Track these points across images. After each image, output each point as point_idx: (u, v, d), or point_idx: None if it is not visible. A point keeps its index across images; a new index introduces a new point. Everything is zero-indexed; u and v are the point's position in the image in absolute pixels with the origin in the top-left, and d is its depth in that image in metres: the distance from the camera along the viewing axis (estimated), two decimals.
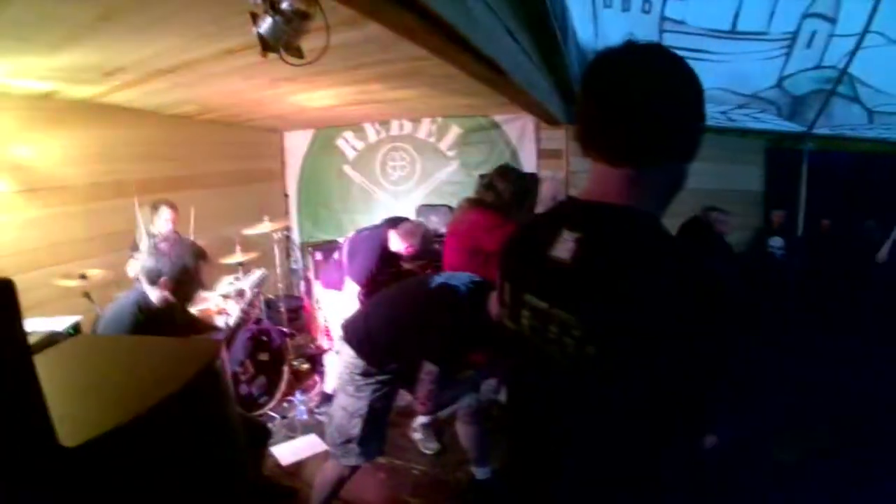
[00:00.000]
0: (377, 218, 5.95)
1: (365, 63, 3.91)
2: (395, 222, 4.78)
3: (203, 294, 3.58)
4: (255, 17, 2.34)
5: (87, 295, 4.25)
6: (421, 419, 4.28)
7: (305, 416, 4.79)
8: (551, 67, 4.58)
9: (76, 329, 3.78)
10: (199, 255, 3.29)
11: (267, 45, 2.43)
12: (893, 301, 6.25)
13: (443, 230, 6.11)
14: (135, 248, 4.93)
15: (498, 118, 6.76)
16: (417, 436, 4.31)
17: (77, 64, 3.65)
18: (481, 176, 4.17)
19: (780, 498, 3.55)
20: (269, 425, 4.58)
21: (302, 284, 7.72)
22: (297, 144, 8.12)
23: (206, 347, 1.84)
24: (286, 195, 8.30)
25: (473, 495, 3.69)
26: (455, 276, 3.00)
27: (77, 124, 4.99)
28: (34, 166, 4.68)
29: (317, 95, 5.17)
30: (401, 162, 7.54)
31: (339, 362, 3.13)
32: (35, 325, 3.68)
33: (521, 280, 1.35)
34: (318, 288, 5.27)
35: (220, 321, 4.01)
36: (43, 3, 2.62)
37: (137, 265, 4.65)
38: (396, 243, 4.58)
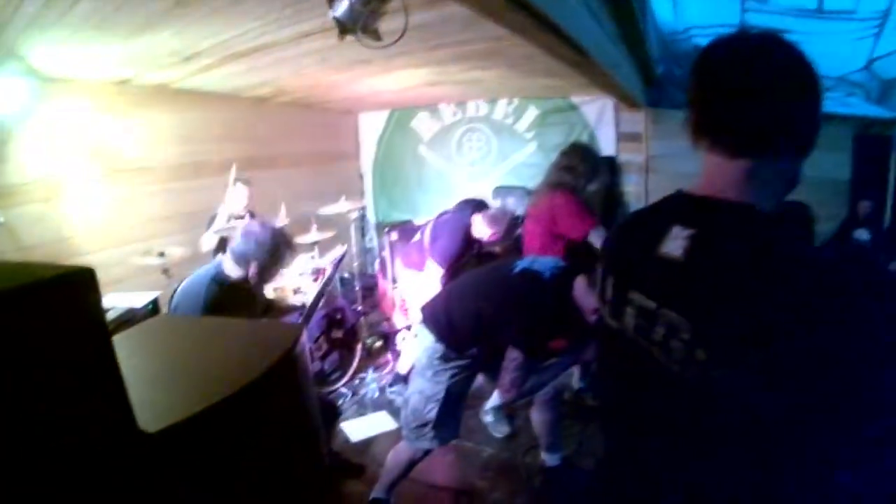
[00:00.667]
0: (453, 199, 5.93)
1: (443, 44, 3.85)
2: (477, 206, 4.75)
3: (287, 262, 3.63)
4: (331, 0, 2.32)
5: (165, 272, 4.38)
6: (492, 402, 4.25)
7: (377, 394, 4.84)
8: (631, 48, 4.44)
9: (154, 305, 3.91)
10: (289, 244, 3.32)
11: (344, 27, 2.41)
12: None
13: (520, 212, 6.05)
14: (212, 224, 5.03)
15: (576, 100, 6.61)
16: (488, 419, 4.29)
17: (155, 50, 3.74)
18: (563, 154, 4.09)
19: None
20: (340, 402, 4.66)
21: (377, 263, 7.79)
22: (371, 125, 8.15)
23: (288, 331, 1.84)
24: (361, 175, 8.37)
25: (542, 481, 3.65)
26: (538, 260, 2.94)
27: (156, 108, 5.14)
28: (115, 149, 4.85)
29: (393, 77, 5.16)
30: (477, 143, 7.46)
31: (417, 345, 3.13)
32: (115, 300, 3.83)
33: (626, 276, 1.28)
34: (397, 267, 5.29)
35: (296, 300, 4.05)
36: None
37: (211, 240, 4.77)
38: (481, 229, 4.55)
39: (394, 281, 5.98)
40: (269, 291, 3.97)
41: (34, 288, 0.92)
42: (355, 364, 5.14)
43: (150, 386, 1.46)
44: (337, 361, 4.93)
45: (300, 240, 5.35)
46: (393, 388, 4.83)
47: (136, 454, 1.15)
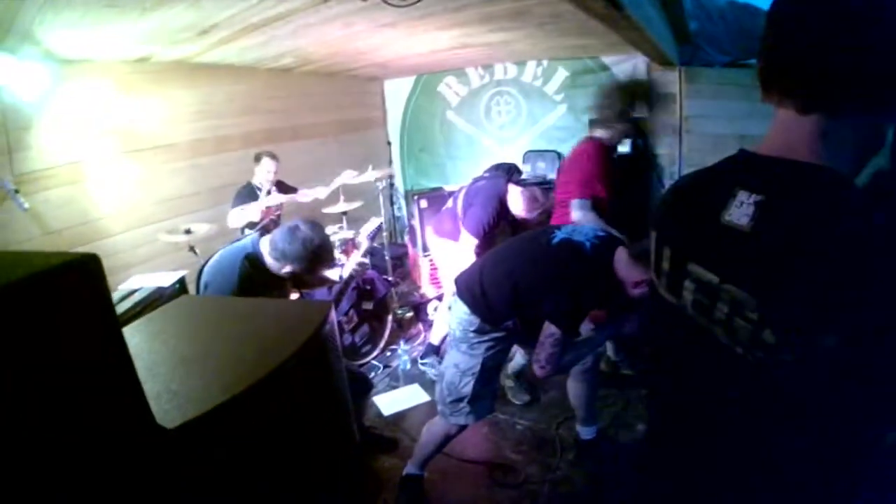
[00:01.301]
0: (482, 164, 5.83)
1: (469, 4, 3.71)
2: (510, 171, 4.63)
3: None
4: None
5: (192, 249, 4.36)
6: (513, 368, 4.21)
7: (408, 366, 4.80)
8: (665, 4, 4.27)
9: (181, 284, 3.88)
10: (331, 257, 3.22)
11: None
12: None
13: (551, 176, 5.92)
14: (238, 198, 4.98)
15: (607, 59, 6.40)
16: (509, 383, 4.24)
17: (171, 25, 3.65)
18: (590, 121, 4.02)
19: None
20: (372, 375, 4.63)
21: (406, 232, 7.73)
22: (398, 92, 8.03)
23: (316, 310, 1.77)
24: (388, 143, 8.26)
25: (577, 455, 3.59)
26: (578, 230, 2.82)
27: (176, 84, 5.09)
28: (136, 128, 4.81)
29: (418, 41, 5.02)
30: (506, 107, 7.30)
31: (451, 318, 3.05)
32: (142, 280, 3.81)
33: (685, 246, 1.16)
34: (428, 236, 5.20)
35: (332, 274, 3.97)
36: None
37: (239, 217, 4.73)
38: (516, 204, 4.43)
39: (424, 250, 5.92)
40: None
41: (37, 279, 0.86)
42: (386, 336, 5.11)
43: (172, 372, 1.41)
44: (367, 334, 4.90)
45: (328, 210, 5.33)
46: (425, 360, 4.78)
47: (152, 451, 1.09)
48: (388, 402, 4.32)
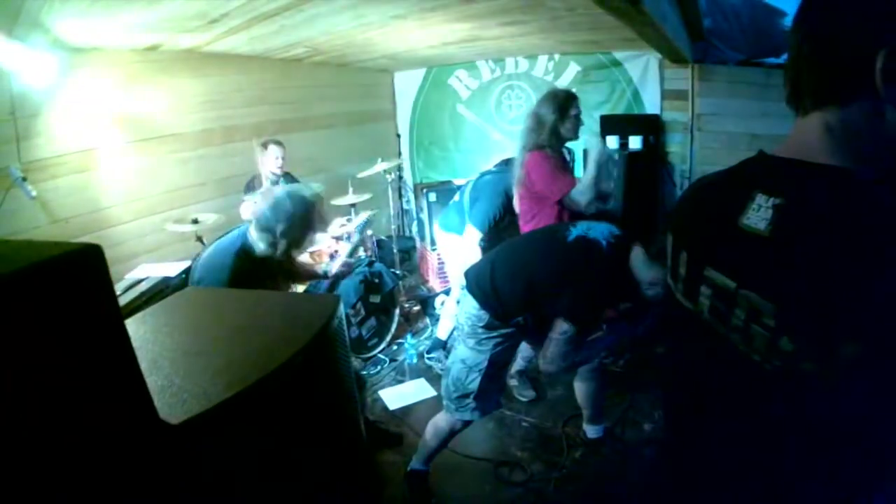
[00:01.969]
0: (492, 158, 5.79)
1: None
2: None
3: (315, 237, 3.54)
4: None
5: (199, 239, 4.35)
6: (517, 366, 4.19)
7: (415, 361, 4.78)
8: (680, 0, 4.22)
9: (188, 274, 3.86)
10: (320, 215, 3.16)
11: None
12: None
13: None
14: (249, 189, 4.98)
15: (619, 55, 6.35)
16: (513, 382, 4.22)
17: (180, 13, 3.64)
18: (602, 117, 3.91)
19: None
20: (378, 368, 4.62)
21: (415, 225, 7.71)
22: (408, 84, 7.98)
23: (325, 305, 1.75)
24: (398, 135, 8.23)
25: (583, 453, 3.56)
26: (594, 227, 2.76)
27: (185, 73, 5.08)
28: (145, 117, 4.80)
29: (429, 33, 5.00)
30: (517, 101, 7.26)
31: (460, 313, 3.02)
32: (149, 270, 3.80)
33: (702, 250, 1.13)
34: (435, 229, 5.17)
35: (320, 269, 3.94)
36: None
37: (251, 207, 4.70)
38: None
39: (432, 243, 5.90)
40: (305, 256, 3.87)
41: (38, 269, 0.83)
42: (393, 330, 5.09)
43: (177, 366, 1.38)
44: (374, 327, 4.88)
45: (336, 202, 5.30)
46: (431, 355, 4.76)
47: (154, 447, 1.06)
48: (394, 396, 4.30)
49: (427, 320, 5.53)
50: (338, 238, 4.87)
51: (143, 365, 1.03)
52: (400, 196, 8.10)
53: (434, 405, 3.95)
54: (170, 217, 4.64)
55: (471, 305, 2.91)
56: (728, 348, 1.04)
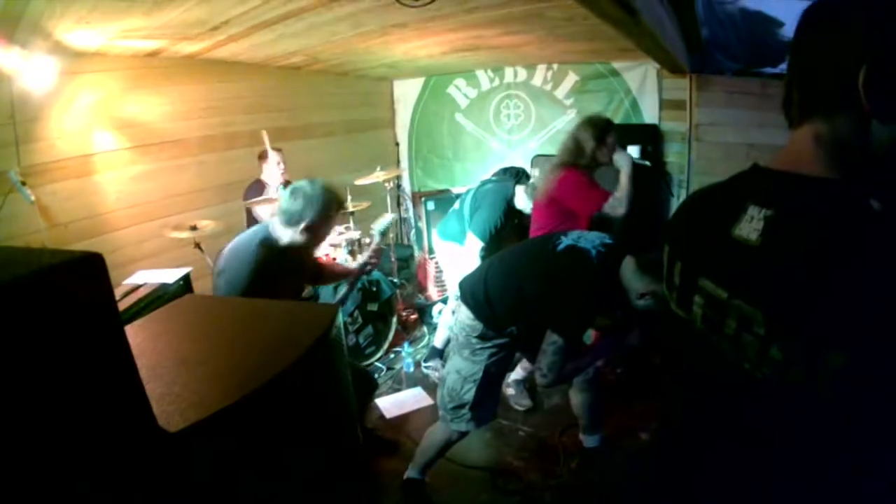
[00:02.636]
0: (490, 167, 5.80)
1: (480, 6, 3.69)
2: (518, 175, 4.61)
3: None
4: None
5: (197, 245, 4.35)
6: (514, 375, 4.18)
7: (412, 369, 4.78)
8: (677, 10, 4.24)
9: (186, 280, 3.86)
10: (338, 198, 3.20)
11: None
12: None
13: None
14: (249, 195, 4.96)
15: (618, 65, 6.36)
16: (510, 391, 4.22)
17: (181, 20, 3.64)
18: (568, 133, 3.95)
19: None
20: (375, 376, 4.61)
21: (413, 233, 7.71)
22: (407, 93, 7.99)
23: (322, 314, 1.75)
24: (397, 144, 8.23)
25: (580, 463, 3.56)
26: (584, 236, 2.76)
27: (185, 80, 5.08)
28: (145, 123, 4.80)
29: (428, 42, 5.01)
30: (515, 110, 7.26)
31: (454, 323, 3.02)
32: (147, 276, 3.79)
33: (695, 261, 1.15)
34: (434, 238, 5.18)
35: (352, 264, 3.95)
36: None
37: (271, 209, 4.70)
38: (523, 202, 4.41)
39: (430, 252, 5.90)
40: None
41: (38, 277, 0.84)
42: (390, 338, 5.09)
43: (176, 373, 1.38)
44: (372, 335, 4.88)
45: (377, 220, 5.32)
46: (428, 364, 4.75)
47: (153, 454, 1.06)
48: (391, 404, 4.30)
49: (424, 329, 5.53)
50: (335, 245, 4.87)
51: (143, 373, 1.03)
52: (399, 204, 8.10)
53: (430, 414, 3.95)
54: (168, 223, 4.62)
55: (465, 315, 2.91)
56: (720, 357, 1.05)
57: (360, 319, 4.73)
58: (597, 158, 3.75)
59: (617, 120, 6.35)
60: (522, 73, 7.07)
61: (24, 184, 3.69)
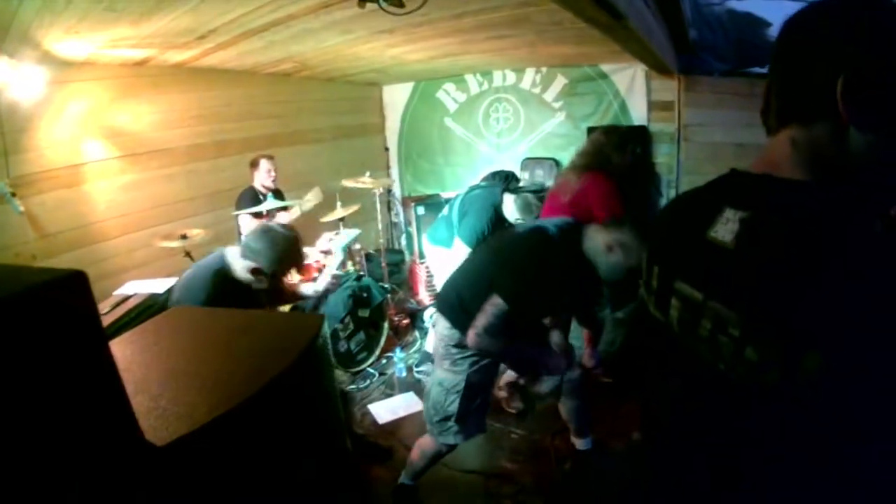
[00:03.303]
0: (480, 171, 5.82)
1: (468, 11, 3.72)
2: (507, 179, 4.62)
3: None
4: None
5: (188, 255, 4.34)
6: (506, 378, 4.17)
7: (404, 374, 4.78)
8: (663, 11, 4.26)
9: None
10: (301, 254, 3.18)
11: None
12: None
13: (549, 184, 5.89)
14: (241, 203, 4.95)
15: (606, 67, 6.41)
16: (502, 394, 4.21)
17: (169, 29, 3.65)
18: (589, 129, 3.98)
19: None
20: (368, 382, 4.62)
21: (403, 238, 7.72)
22: (396, 98, 8.02)
23: (308, 324, 1.75)
24: (387, 149, 8.25)
25: (573, 465, 3.56)
26: (548, 219, 2.86)
27: (174, 88, 5.08)
28: (134, 132, 4.80)
29: (417, 47, 5.03)
30: (504, 114, 7.30)
31: (433, 334, 3.02)
32: (137, 286, 3.78)
33: (672, 263, 1.16)
34: (424, 242, 5.18)
35: (307, 289, 3.90)
36: None
37: (251, 224, 4.69)
38: (511, 212, 4.42)
39: (420, 256, 5.90)
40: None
41: (21, 296, 0.84)
42: (382, 343, 5.10)
43: (163, 387, 1.38)
44: (364, 341, 4.87)
45: (325, 218, 5.31)
46: (421, 368, 4.76)
47: (140, 469, 1.07)
48: (384, 410, 4.30)
49: (416, 333, 5.53)
50: (326, 252, 4.87)
51: (130, 387, 1.03)
52: (389, 209, 8.11)
53: (423, 419, 3.95)
54: (158, 232, 4.61)
55: (442, 325, 2.91)
56: (697, 359, 1.06)
57: (351, 325, 4.72)
58: (620, 167, 3.83)
59: (606, 122, 6.40)
60: (511, 77, 7.11)
61: (13, 195, 3.68)
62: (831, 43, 0.97)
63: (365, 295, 4.90)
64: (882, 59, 0.92)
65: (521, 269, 2.66)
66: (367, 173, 5.70)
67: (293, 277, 3.86)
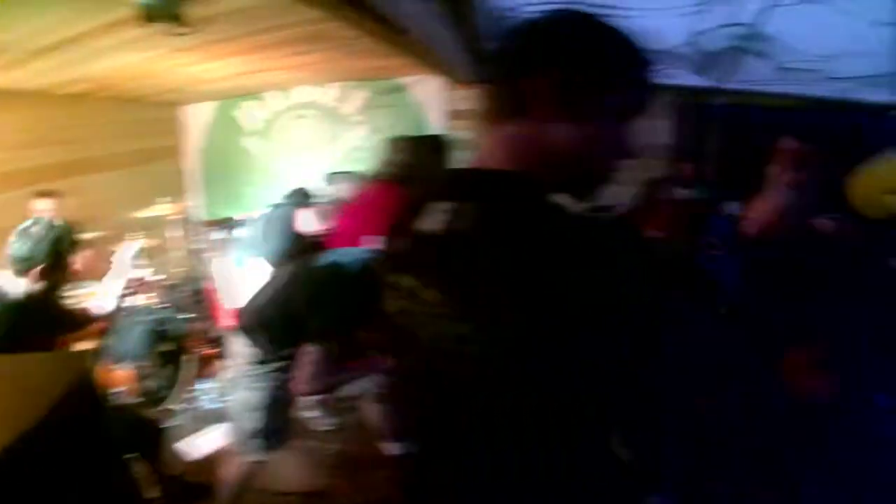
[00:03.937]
0: (283, 190, 5.72)
1: (262, 28, 3.71)
2: (300, 196, 4.58)
3: (88, 284, 3.29)
4: None
5: None
6: (315, 396, 4.13)
7: (213, 406, 4.60)
8: (460, 25, 4.44)
9: None
10: (71, 236, 3.01)
11: (150, 14, 2.25)
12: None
13: (349, 196, 5.93)
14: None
15: (406, 80, 6.61)
16: (313, 414, 4.21)
17: None
18: (391, 140, 4.01)
19: None
20: (175, 418, 4.38)
21: (204, 264, 7.41)
22: (197, 118, 7.71)
23: (73, 362, 1.64)
24: (186, 172, 7.90)
25: (390, 471, 3.58)
26: (348, 251, 2.85)
27: None
28: None
29: (217, 65, 4.89)
30: (306, 130, 7.28)
31: (233, 353, 2.99)
32: None
33: (396, 257, 1.25)
34: (226, 267, 4.99)
35: (95, 308, 3.62)
36: None
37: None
38: (307, 223, 4.38)
39: (222, 282, 5.68)
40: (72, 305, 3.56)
41: None
42: (188, 377, 4.85)
43: None
44: (168, 376, 4.60)
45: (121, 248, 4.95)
46: (227, 398, 4.56)
47: None
48: (196, 445, 4.09)
49: (222, 363, 5.30)
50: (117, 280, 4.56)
51: None
52: (189, 236, 7.76)
53: (236, 449, 3.83)
54: None
55: (242, 343, 2.89)
56: (421, 346, 1.15)
57: (153, 362, 4.45)
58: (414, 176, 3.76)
59: (407, 133, 6.52)
60: (312, 93, 7.10)
61: None
62: (541, 44, 1.11)
63: (166, 328, 4.66)
64: (577, 65, 1.08)
65: (327, 312, 2.66)
66: (168, 199, 5.47)
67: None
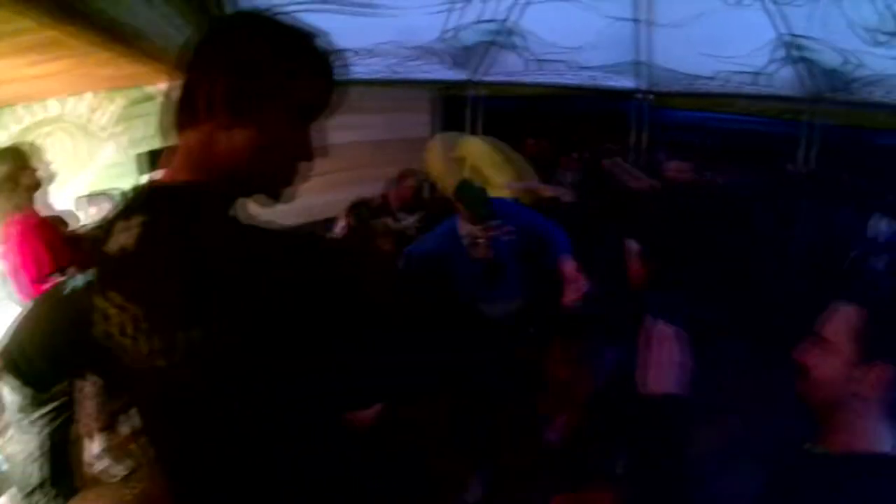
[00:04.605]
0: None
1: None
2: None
3: None
4: None
5: None
6: (98, 445, 3.69)
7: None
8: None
9: None
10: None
11: None
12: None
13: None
14: None
15: (164, 86, 6.27)
16: (102, 464, 3.69)
17: None
18: (149, 153, 3.85)
19: None
20: None
21: None
22: None
23: None
24: None
25: None
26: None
27: None
28: None
29: None
30: (53, 148, 6.60)
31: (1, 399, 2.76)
32: None
33: (100, 281, 1.23)
34: None
35: None
36: None
37: None
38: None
39: None
40: None
41: None
42: None
43: None
44: None
45: None
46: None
47: None
48: None
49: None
50: None
51: None
52: None
53: None
54: None
55: (10, 385, 2.70)
56: (128, 367, 1.16)
57: None
58: None
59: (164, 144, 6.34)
60: (58, 107, 6.57)
61: None
62: (219, 49, 1.18)
63: None
64: (248, 68, 1.14)
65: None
66: None
67: None
